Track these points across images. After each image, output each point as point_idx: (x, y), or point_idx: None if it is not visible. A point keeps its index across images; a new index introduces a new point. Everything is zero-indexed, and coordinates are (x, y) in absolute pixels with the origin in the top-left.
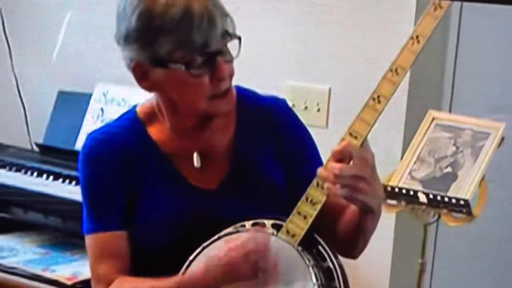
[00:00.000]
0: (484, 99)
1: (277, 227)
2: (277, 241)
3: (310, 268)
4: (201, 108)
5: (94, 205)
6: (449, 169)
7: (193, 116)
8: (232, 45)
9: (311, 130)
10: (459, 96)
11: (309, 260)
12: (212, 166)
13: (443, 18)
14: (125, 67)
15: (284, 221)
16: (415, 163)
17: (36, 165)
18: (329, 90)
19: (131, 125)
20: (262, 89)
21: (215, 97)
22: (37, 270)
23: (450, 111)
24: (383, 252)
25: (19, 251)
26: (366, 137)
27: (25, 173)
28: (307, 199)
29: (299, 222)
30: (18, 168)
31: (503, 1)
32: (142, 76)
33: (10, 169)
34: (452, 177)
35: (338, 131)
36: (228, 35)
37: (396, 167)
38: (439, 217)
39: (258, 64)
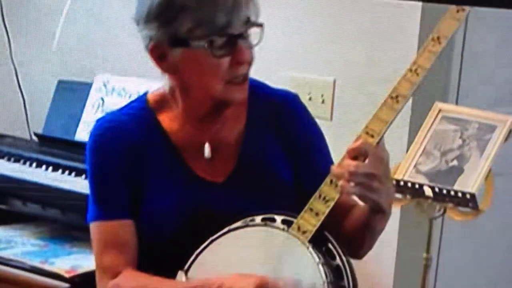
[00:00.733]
0: (491, 92)
1: (287, 223)
2: (288, 237)
3: (320, 266)
4: (216, 92)
5: (101, 192)
6: (455, 163)
7: (206, 102)
8: (253, 33)
9: None
10: (465, 88)
11: (318, 258)
12: (220, 158)
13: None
14: (125, 56)
15: (295, 217)
16: (420, 156)
17: (35, 155)
18: (334, 82)
19: (141, 112)
20: (266, 80)
21: (231, 83)
22: (36, 263)
23: (456, 103)
24: (387, 247)
25: (17, 243)
26: (382, 136)
27: (24, 163)
28: (320, 196)
29: (310, 218)
30: (17, 158)
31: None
32: (160, 57)
33: (8, 160)
34: (458, 171)
35: (343, 123)
36: (251, 20)
37: (401, 160)
38: (444, 211)
39: (262, 56)
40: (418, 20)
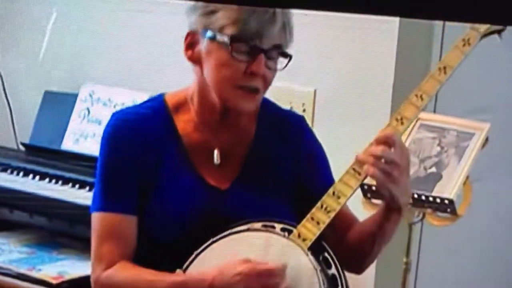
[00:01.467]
0: (468, 100)
1: (287, 231)
2: (288, 243)
3: (318, 272)
4: (226, 94)
5: (109, 184)
6: (433, 169)
7: (217, 106)
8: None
9: None
10: (443, 97)
11: (317, 265)
12: (227, 165)
13: (429, 23)
14: (111, 67)
15: (293, 226)
16: None
17: (22, 165)
18: (314, 92)
19: (158, 112)
20: None
21: (242, 89)
22: (23, 270)
23: (434, 111)
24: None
25: (4, 251)
26: (411, 122)
27: (11, 173)
28: (322, 206)
29: (311, 227)
30: (4, 168)
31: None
32: (190, 45)
33: None
34: (436, 177)
35: (324, 131)
36: (280, 47)
37: None
38: (423, 216)
39: None
40: (396, 32)
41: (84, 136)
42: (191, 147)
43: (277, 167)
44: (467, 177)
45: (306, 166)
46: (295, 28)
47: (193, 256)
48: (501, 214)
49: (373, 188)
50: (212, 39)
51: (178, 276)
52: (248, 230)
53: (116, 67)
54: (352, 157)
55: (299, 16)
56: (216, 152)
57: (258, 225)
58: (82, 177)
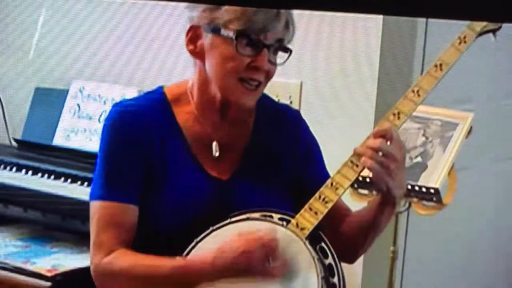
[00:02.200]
0: (452, 90)
1: (285, 221)
2: (286, 232)
3: (315, 260)
4: (228, 87)
5: (111, 172)
6: (419, 159)
7: (218, 99)
8: (279, 56)
9: None
10: None
11: (314, 253)
12: (227, 157)
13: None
14: (100, 63)
15: (291, 216)
16: None
17: (15, 160)
18: (301, 85)
19: (158, 104)
20: None
21: (244, 83)
22: (18, 263)
23: None
24: None
25: (0, 245)
26: (409, 117)
27: (4, 168)
28: (319, 197)
29: (309, 217)
30: None
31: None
32: (192, 39)
33: None
34: (422, 167)
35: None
36: (283, 43)
37: None
38: (409, 205)
39: None
40: (381, 25)
41: (75, 132)
42: (192, 138)
43: (275, 160)
44: (452, 166)
45: (303, 159)
46: None
47: (193, 243)
48: (486, 201)
49: (361, 179)
50: (217, 33)
51: (178, 260)
52: (247, 219)
53: (106, 63)
54: (338, 149)
55: None
56: (214, 144)
57: (256, 215)
58: (73, 172)
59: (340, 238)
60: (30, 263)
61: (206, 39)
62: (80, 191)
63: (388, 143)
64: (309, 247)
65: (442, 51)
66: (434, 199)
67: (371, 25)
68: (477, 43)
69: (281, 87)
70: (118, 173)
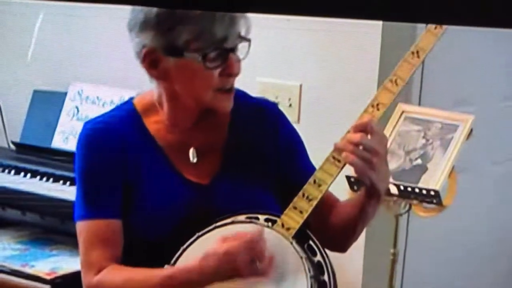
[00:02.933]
0: (452, 93)
1: (271, 222)
2: (272, 232)
3: (304, 260)
4: (205, 100)
5: (90, 191)
6: (419, 161)
7: (193, 110)
8: (240, 47)
9: None
10: (427, 90)
11: (302, 253)
12: (205, 161)
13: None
14: (99, 66)
15: (277, 216)
16: None
17: (13, 163)
18: (300, 87)
19: (128, 116)
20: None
21: (220, 91)
22: (17, 266)
23: (419, 104)
24: (356, 243)
25: None
26: (387, 108)
27: (3, 171)
28: (303, 195)
29: (294, 216)
30: None
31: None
32: (152, 64)
33: None
34: (422, 169)
35: (310, 125)
36: (242, 35)
37: None
38: (410, 208)
39: None
40: (381, 26)
41: (74, 134)
42: (167, 147)
43: (256, 158)
44: (452, 168)
45: (285, 154)
46: (279, 23)
47: (180, 251)
48: (486, 203)
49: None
50: (180, 56)
51: (167, 270)
52: (232, 223)
53: (104, 65)
54: None
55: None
56: (191, 150)
57: (242, 217)
58: (72, 175)
59: (330, 229)
60: (28, 266)
61: (169, 62)
62: None
63: (369, 136)
64: (296, 246)
65: (419, 38)
66: (434, 201)
67: (371, 28)
68: (478, 45)
69: (280, 89)
70: (96, 190)
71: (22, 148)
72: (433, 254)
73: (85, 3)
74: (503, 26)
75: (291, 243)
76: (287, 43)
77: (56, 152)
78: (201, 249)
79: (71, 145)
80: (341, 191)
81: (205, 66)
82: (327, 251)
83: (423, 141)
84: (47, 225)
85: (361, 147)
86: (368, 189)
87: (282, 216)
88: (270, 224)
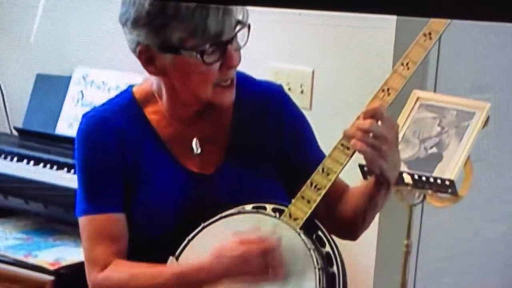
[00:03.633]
0: (469, 79)
1: (278, 212)
2: (279, 223)
3: (311, 252)
4: (205, 96)
5: (91, 186)
6: (434, 150)
7: (193, 105)
8: (239, 34)
9: None
10: (443, 76)
11: (310, 244)
12: (209, 151)
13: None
14: (104, 49)
15: (285, 206)
16: (399, 143)
17: (16, 150)
18: (312, 72)
19: (128, 106)
20: (245, 71)
21: (220, 86)
22: (20, 256)
23: (434, 90)
24: (368, 234)
25: (0, 237)
26: (399, 91)
27: (5, 158)
28: (311, 184)
29: (302, 206)
30: None
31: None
32: (148, 61)
33: None
34: (437, 158)
35: (322, 112)
36: (240, 23)
37: None
38: (424, 198)
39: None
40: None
41: (78, 120)
42: (168, 138)
43: (261, 146)
44: (468, 157)
45: (290, 140)
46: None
47: (185, 242)
48: (502, 194)
49: None
50: (176, 53)
51: (175, 267)
52: (238, 213)
53: (110, 49)
54: None
55: None
56: (195, 141)
57: (248, 207)
58: None
59: (339, 218)
60: (31, 256)
61: (165, 59)
62: None
63: (379, 123)
64: (304, 238)
65: (431, 20)
66: (450, 191)
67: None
68: (495, 30)
69: (291, 75)
70: (97, 185)
71: (25, 135)
72: (448, 246)
73: None
74: None
75: (299, 234)
76: (299, 28)
77: (60, 139)
78: (207, 239)
79: (75, 131)
80: (351, 180)
81: (203, 62)
82: (337, 242)
83: (438, 129)
84: (50, 214)
85: (371, 134)
86: (378, 178)
87: (290, 206)
88: (277, 214)
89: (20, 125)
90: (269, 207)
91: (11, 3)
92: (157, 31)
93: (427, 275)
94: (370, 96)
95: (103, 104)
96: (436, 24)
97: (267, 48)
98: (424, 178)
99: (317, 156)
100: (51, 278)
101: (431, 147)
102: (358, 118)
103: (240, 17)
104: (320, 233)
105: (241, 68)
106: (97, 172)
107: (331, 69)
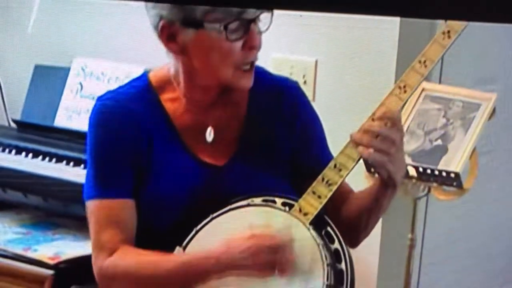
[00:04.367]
0: (475, 70)
1: (288, 206)
2: (289, 217)
3: (320, 247)
4: (225, 76)
5: (102, 170)
6: (439, 142)
7: (212, 88)
8: (263, 17)
9: None
10: (448, 67)
11: (319, 240)
12: (221, 142)
13: None
14: (103, 40)
15: (295, 200)
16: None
17: (14, 142)
18: (316, 63)
19: (144, 92)
20: None
21: (239, 69)
22: (19, 250)
23: (440, 81)
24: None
25: None
26: (415, 90)
27: (3, 151)
28: (323, 179)
29: (313, 201)
30: None
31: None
32: (170, 37)
33: None
34: (442, 150)
35: (325, 102)
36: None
37: None
38: (429, 191)
39: None
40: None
41: (77, 112)
42: (181, 126)
43: (273, 141)
44: (474, 150)
45: (301, 136)
46: None
47: (193, 232)
48: (508, 187)
49: None
50: (200, 28)
51: (182, 256)
52: (248, 205)
53: (110, 39)
54: (354, 129)
55: None
56: (209, 129)
57: (258, 200)
58: (76, 155)
59: (342, 221)
60: (31, 251)
61: (187, 35)
62: (83, 175)
63: (388, 125)
64: (313, 233)
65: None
66: (455, 184)
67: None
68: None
69: (294, 65)
70: (109, 169)
71: (23, 127)
72: (453, 240)
73: None
74: None
75: (308, 229)
76: (302, 18)
77: (59, 131)
78: (215, 231)
79: (74, 124)
80: (354, 183)
81: (226, 38)
82: None
83: (444, 120)
84: (50, 207)
85: (378, 137)
86: (384, 180)
87: (300, 201)
88: (287, 208)
89: (18, 117)
90: (278, 200)
91: None
92: (181, 5)
93: (431, 269)
94: (375, 85)
95: (118, 88)
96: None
97: (270, 38)
98: (429, 171)
99: (326, 155)
100: (50, 272)
101: (436, 139)
102: (368, 119)
103: None
104: (329, 229)
105: None
106: (109, 156)
107: (334, 60)
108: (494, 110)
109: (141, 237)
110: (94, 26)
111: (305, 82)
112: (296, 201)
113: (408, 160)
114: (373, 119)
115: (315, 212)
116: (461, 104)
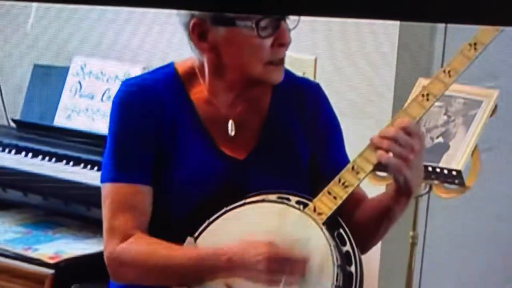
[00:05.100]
0: (476, 66)
1: (302, 205)
2: (303, 216)
3: (332, 248)
4: (256, 72)
5: (121, 153)
6: (440, 139)
7: (237, 84)
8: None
9: None
10: None
11: (331, 240)
12: (243, 136)
13: None
14: (102, 39)
15: (309, 200)
16: None
17: (14, 142)
18: (315, 60)
19: (171, 80)
20: None
21: (271, 64)
22: (19, 250)
23: None
24: None
25: None
26: (438, 99)
27: (3, 150)
28: (339, 181)
29: (328, 201)
30: None
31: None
32: (201, 35)
33: None
34: (443, 147)
35: None
36: None
37: None
38: (430, 188)
39: None
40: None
41: (77, 112)
42: (206, 117)
43: (293, 139)
44: (476, 147)
45: (320, 137)
46: None
47: (205, 224)
48: (510, 184)
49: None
50: (232, 25)
51: (195, 250)
52: (263, 201)
53: (109, 39)
54: (353, 128)
55: None
56: (231, 122)
57: (273, 196)
58: (76, 154)
59: (354, 226)
60: (31, 250)
61: (218, 33)
62: (83, 174)
63: (409, 131)
64: (326, 233)
65: (479, 29)
66: (456, 181)
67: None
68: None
69: (293, 63)
70: (129, 152)
71: (22, 126)
72: (454, 238)
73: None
74: None
75: (321, 229)
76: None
77: (58, 130)
78: (227, 224)
79: (74, 123)
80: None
81: (258, 34)
82: None
83: (445, 118)
84: (50, 207)
85: (398, 143)
86: (400, 186)
87: (315, 200)
88: (301, 207)
89: (17, 116)
90: (293, 198)
91: None
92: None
93: (433, 267)
94: (375, 83)
95: (145, 74)
96: (483, 35)
97: None
98: (430, 169)
99: (343, 158)
100: (51, 271)
101: (438, 137)
102: (389, 125)
103: None
104: (342, 231)
105: None
106: (131, 139)
107: (334, 57)
108: (495, 107)
109: (154, 223)
110: (93, 25)
111: None
112: (311, 200)
113: None
114: (393, 125)
115: (330, 213)
116: (463, 101)
